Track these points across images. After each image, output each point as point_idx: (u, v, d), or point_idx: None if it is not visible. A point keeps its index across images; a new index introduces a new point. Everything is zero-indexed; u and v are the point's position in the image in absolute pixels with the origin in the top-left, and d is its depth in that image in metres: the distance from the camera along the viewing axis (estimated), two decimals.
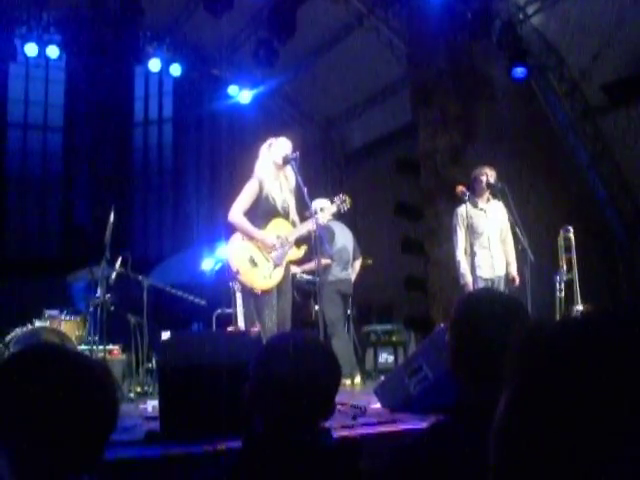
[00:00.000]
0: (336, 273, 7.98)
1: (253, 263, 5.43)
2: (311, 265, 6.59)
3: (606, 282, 10.08)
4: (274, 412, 1.87)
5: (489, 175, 6.71)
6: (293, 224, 5.61)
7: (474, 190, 6.76)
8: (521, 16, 10.25)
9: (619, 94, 9.78)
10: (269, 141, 5.65)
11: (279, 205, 5.52)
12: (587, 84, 10.43)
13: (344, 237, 8.17)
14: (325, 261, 6.81)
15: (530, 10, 10.21)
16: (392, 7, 10.91)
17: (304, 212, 5.77)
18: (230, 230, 5.65)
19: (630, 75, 9.49)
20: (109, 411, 1.33)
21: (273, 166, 5.54)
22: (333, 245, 7.81)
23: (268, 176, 5.52)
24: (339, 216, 7.05)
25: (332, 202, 6.00)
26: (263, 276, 5.43)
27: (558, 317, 6.98)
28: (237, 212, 5.48)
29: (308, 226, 5.43)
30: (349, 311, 8.34)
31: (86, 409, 1.27)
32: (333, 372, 1.96)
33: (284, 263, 5.52)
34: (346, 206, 5.93)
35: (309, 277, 8.19)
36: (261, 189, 5.48)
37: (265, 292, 5.40)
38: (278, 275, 5.48)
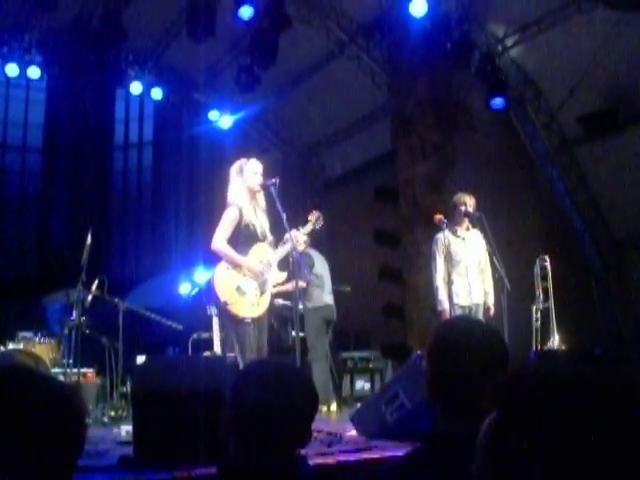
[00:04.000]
0: (323, 298, 7.99)
1: (241, 292, 5.33)
2: (286, 287, 6.54)
3: (582, 310, 10.16)
4: (249, 439, 1.85)
5: (468, 204, 6.74)
6: (271, 246, 5.57)
7: (453, 218, 6.79)
8: (500, 48, 10.42)
9: (595, 126, 9.94)
10: (238, 164, 5.56)
11: (258, 230, 5.46)
12: (564, 116, 10.59)
13: (322, 265, 8.21)
14: (300, 284, 6.78)
15: (509, 42, 10.38)
16: (373, 36, 11.04)
17: (283, 238, 5.73)
18: (213, 259, 5.54)
19: (606, 108, 9.66)
20: (76, 434, 1.32)
21: (247, 192, 5.47)
22: (313, 271, 7.84)
23: (245, 203, 5.45)
24: (316, 239, 7.00)
25: (307, 221, 5.88)
26: (252, 304, 5.34)
27: (534, 346, 7.02)
28: (220, 240, 5.36)
29: (287, 247, 5.39)
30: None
31: (52, 432, 1.26)
32: (309, 399, 1.94)
33: (269, 289, 5.48)
34: (320, 223, 5.82)
35: (286, 302, 8.19)
36: (241, 216, 5.39)
37: (252, 320, 5.33)
38: (265, 302, 5.40)
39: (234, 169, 5.57)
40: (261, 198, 5.54)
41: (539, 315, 7.20)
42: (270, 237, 5.57)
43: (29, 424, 1.24)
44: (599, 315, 10.66)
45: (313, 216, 5.80)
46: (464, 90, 10.51)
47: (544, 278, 7.39)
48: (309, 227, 5.80)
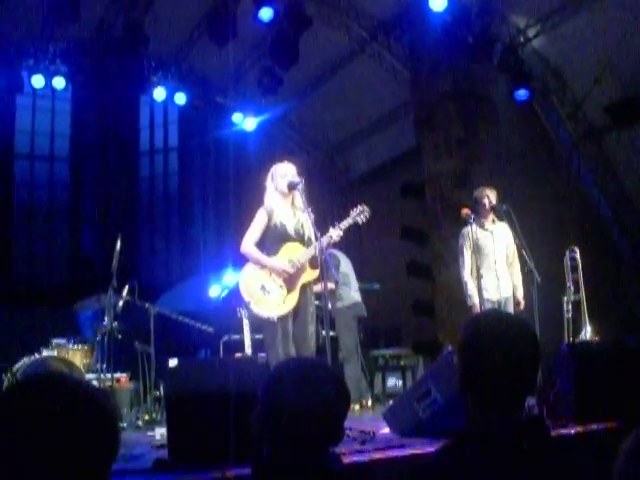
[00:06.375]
0: (352, 296, 8.02)
1: (264, 291, 5.39)
2: (315, 288, 6.55)
3: (614, 301, 10.04)
4: (283, 438, 1.86)
5: (490, 196, 6.71)
6: (310, 243, 5.56)
7: (478, 212, 6.75)
8: (522, 39, 10.33)
9: (622, 115, 9.81)
10: (271, 171, 5.66)
11: (292, 230, 5.52)
12: (589, 105, 10.48)
13: (347, 264, 8.24)
14: (330, 285, 6.79)
15: (530, 33, 10.29)
16: (394, 33, 11.01)
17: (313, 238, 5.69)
18: (243, 261, 5.63)
19: (632, 96, 9.53)
20: (110, 438, 1.33)
21: (279, 195, 5.58)
22: (340, 270, 7.87)
23: (277, 205, 5.55)
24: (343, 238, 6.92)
25: (349, 215, 5.79)
26: (277, 303, 5.37)
27: (567, 338, 6.95)
28: (248, 243, 5.50)
29: (314, 248, 5.39)
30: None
31: (86, 437, 1.27)
32: (342, 397, 1.94)
33: (298, 287, 5.49)
34: (365, 217, 5.65)
35: (314, 302, 8.20)
36: (269, 218, 5.50)
37: (280, 319, 5.35)
38: (293, 300, 5.43)
39: (268, 175, 5.68)
40: (297, 198, 5.56)
41: (570, 307, 7.12)
42: (308, 234, 5.57)
43: (64, 429, 1.26)
44: (631, 305, 10.53)
45: (355, 210, 5.70)
46: (487, 83, 10.44)
47: (574, 269, 7.30)
48: (347, 222, 5.66)
